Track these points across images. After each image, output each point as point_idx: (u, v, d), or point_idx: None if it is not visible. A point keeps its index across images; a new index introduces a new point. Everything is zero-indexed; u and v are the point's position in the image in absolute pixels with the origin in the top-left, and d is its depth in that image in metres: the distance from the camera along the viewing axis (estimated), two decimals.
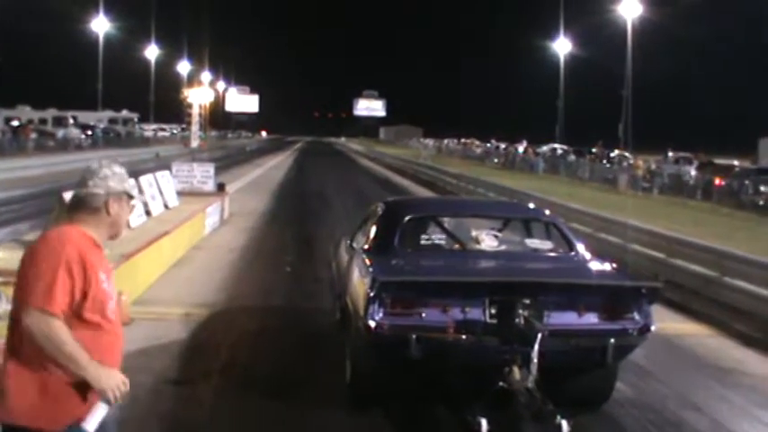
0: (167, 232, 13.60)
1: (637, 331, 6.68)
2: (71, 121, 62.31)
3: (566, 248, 7.90)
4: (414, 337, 6.30)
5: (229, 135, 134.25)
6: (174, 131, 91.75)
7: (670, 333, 10.37)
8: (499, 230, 8.18)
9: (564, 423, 5.94)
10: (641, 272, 12.39)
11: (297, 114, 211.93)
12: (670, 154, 47.80)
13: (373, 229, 8.02)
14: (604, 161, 51.65)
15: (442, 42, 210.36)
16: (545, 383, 6.27)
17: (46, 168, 36.25)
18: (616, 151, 55.53)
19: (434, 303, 6.44)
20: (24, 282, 3.19)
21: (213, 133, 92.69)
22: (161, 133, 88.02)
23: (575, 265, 7.61)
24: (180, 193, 18.46)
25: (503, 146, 77.44)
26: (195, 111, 24.61)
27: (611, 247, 16.44)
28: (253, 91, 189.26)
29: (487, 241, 7.77)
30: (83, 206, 3.31)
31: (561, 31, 74.77)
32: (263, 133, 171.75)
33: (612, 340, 6.57)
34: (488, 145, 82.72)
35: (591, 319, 6.63)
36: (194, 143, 25.59)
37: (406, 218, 7.95)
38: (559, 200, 22.91)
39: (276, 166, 53.26)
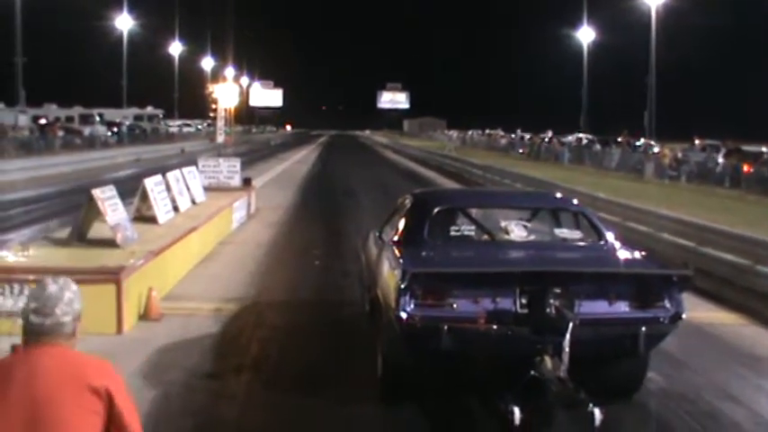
0: (195, 228, 13.63)
1: (668, 319, 6.64)
2: (97, 118, 62.59)
3: (595, 237, 7.83)
4: (445, 327, 6.30)
5: (254, 130, 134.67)
6: (199, 127, 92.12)
7: (703, 322, 10.24)
8: (528, 221, 8.17)
9: (596, 411, 5.90)
10: (671, 260, 12.29)
11: (321, 108, 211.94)
12: (697, 141, 47.22)
13: (402, 222, 8.00)
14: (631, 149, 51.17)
15: (463, 33, 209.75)
16: (577, 372, 6.22)
17: (73, 166, 36.53)
18: (642, 140, 55.03)
19: (465, 294, 6.42)
20: (125, 424, 3.12)
21: (238, 128, 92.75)
22: (186, 129, 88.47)
23: (604, 254, 7.52)
24: (207, 189, 18.50)
25: (527, 136, 77.01)
26: (220, 106, 24.60)
27: (640, 236, 16.28)
28: (277, 85, 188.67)
29: (516, 231, 7.76)
30: (52, 335, 3.14)
31: (585, 19, 74.26)
32: (288, 127, 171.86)
33: (644, 328, 6.54)
34: (513, 136, 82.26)
35: (622, 307, 6.60)
36: (220, 138, 25.63)
37: (435, 209, 7.94)
38: (586, 189, 22.72)
39: (301, 160, 53.31)
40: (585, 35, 75.22)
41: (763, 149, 39.28)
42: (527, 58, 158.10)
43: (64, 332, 3.17)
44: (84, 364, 3.13)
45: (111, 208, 11.10)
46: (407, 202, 8.52)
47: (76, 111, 65.64)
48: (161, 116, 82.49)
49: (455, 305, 6.42)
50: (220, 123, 25.63)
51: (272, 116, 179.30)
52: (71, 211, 16.19)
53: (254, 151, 58.48)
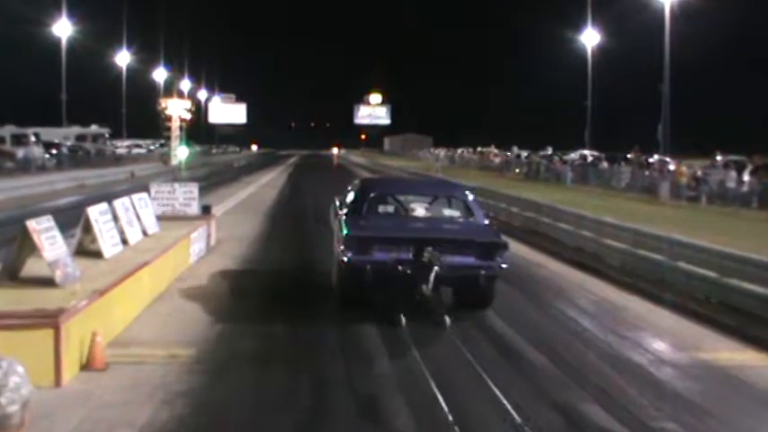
0: (147, 263, 13.60)
1: (497, 268, 12.79)
2: (33, 138, 62.31)
3: (468, 215, 14.25)
4: (368, 267, 12.56)
5: (214, 150, 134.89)
6: (152, 148, 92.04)
7: (728, 364, 10.29)
8: (429, 203, 14.62)
9: (446, 318, 12.20)
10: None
11: (290, 125, 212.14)
12: (719, 157, 47.53)
13: (351, 199, 14.78)
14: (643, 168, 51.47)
15: (450, 40, 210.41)
16: (443, 295, 12.91)
17: (5, 193, 36.32)
18: (656, 156, 55.46)
19: (382, 248, 12.72)
20: None
21: (196, 148, 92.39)
22: (136, 150, 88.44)
23: (467, 227, 14.01)
24: (160, 218, 18.47)
25: (525, 154, 77.42)
26: (175, 124, 24.66)
27: (651, 265, 16.41)
28: (239, 99, 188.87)
29: (419, 210, 14.32)
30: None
31: (589, 20, 74.84)
32: (254, 147, 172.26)
33: (482, 272, 12.65)
34: (508, 154, 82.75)
35: (469, 259, 12.77)
36: (175, 161, 25.64)
37: (372, 194, 14.64)
38: (591, 213, 22.82)
39: (268, 183, 53.29)
40: (590, 38, 75.81)
41: None
42: (523, 67, 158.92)
43: (11, 424, 3.06)
44: None
45: (49, 241, 11.07)
46: (357, 185, 15.73)
47: (8, 130, 65.27)
48: (107, 136, 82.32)
49: (376, 254, 12.70)
50: (175, 143, 25.66)
51: (235, 134, 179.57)
52: (2, 245, 16.08)
53: (214, 174, 58.36)
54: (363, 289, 13.25)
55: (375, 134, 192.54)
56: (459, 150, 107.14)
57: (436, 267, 12.15)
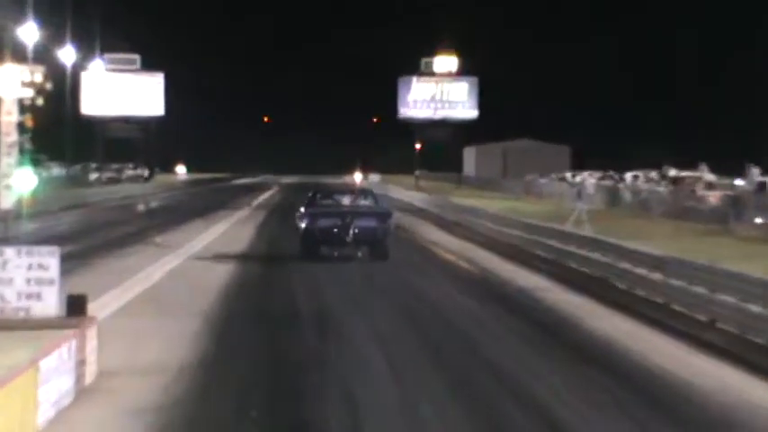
0: None
1: (388, 228, 66.41)
2: None
3: (374, 203, 72.06)
4: (317, 229, 64.96)
5: (93, 175, 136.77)
6: None
7: None
8: (354, 199, 73.34)
9: (359, 252, 62.80)
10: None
11: (262, 120, 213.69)
12: None
13: (307, 199, 73.35)
14: None
15: None
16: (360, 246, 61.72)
17: None
18: None
19: (324, 218, 66.24)
20: None
21: (54, 170, 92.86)
22: None
23: (371, 207, 69.80)
24: None
25: None
26: (7, 118, 24.59)
27: None
28: (150, 66, 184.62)
29: (346, 201, 72.05)
30: None
31: None
32: (180, 170, 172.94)
33: (378, 230, 65.94)
34: (740, 183, 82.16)
35: (373, 222, 65.94)
36: (6, 197, 25.71)
37: (319, 195, 74.62)
38: None
39: (207, 252, 54.51)
40: None
41: None
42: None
43: None
44: None
45: None
46: (311, 194, 74.94)
47: None
48: None
49: (321, 222, 65.48)
50: (8, 160, 25.75)
51: (141, 142, 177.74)
52: None
53: (95, 228, 59.90)
54: (314, 242, 58.39)
55: (443, 140, 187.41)
56: (628, 176, 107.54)
57: (354, 227, 57.36)
